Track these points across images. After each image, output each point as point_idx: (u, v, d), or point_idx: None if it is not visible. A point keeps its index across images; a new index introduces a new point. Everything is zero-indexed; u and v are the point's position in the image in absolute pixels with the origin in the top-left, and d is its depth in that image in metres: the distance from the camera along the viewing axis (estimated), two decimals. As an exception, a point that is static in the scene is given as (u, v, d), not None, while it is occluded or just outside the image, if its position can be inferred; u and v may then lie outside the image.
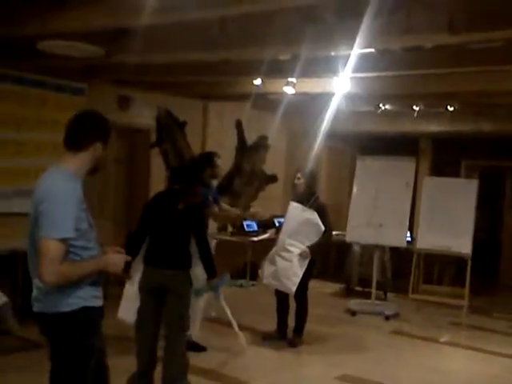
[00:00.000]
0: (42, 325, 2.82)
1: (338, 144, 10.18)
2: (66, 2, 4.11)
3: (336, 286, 8.93)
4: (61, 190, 2.70)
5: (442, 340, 6.51)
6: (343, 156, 9.37)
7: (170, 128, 8.30)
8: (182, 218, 4.39)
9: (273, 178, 9.33)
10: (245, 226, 8.91)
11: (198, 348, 5.57)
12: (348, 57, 5.20)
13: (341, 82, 5.96)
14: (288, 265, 5.78)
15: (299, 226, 5.79)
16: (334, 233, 8.89)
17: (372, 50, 5.17)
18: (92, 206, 7.44)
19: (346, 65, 5.33)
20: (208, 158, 5.86)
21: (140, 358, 4.34)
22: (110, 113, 7.08)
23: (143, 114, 7.93)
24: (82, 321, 2.78)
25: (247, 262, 8.54)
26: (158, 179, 7.49)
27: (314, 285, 9.06)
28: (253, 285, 8.54)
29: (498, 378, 5.49)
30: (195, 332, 4.80)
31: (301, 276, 5.76)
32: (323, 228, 5.78)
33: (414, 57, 5.17)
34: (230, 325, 6.52)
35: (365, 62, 5.34)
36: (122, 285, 6.50)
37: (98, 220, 3.03)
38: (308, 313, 6.01)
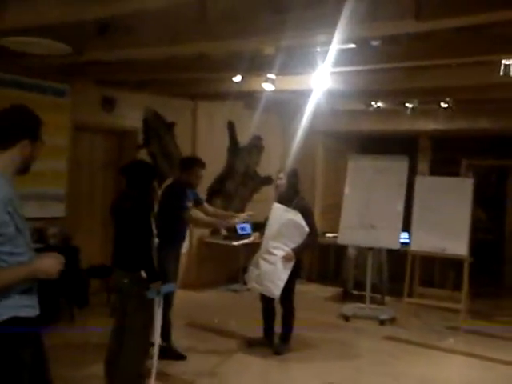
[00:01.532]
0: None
1: (334, 144, 9.92)
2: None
3: (334, 290, 8.66)
4: (-22, 191, 2.47)
5: (436, 346, 6.19)
6: (340, 156, 9.09)
7: (157, 129, 8.13)
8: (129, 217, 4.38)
9: (267, 180, 9.13)
10: (238, 229, 8.66)
11: (177, 356, 5.35)
12: (327, 51, 5.00)
13: (320, 77, 5.71)
14: (272, 268, 5.53)
15: (282, 228, 5.54)
16: (330, 235, 8.73)
17: (351, 44, 4.99)
18: (81, 209, 7.41)
19: (325, 59, 5.14)
20: (186, 166, 5.58)
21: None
22: (93, 114, 7.26)
23: (129, 116, 7.76)
24: (10, 332, 2.54)
25: (240, 265, 8.28)
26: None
27: (311, 289, 8.93)
28: (247, 289, 8.29)
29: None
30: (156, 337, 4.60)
31: (285, 279, 5.51)
32: (307, 229, 5.52)
33: (392, 49, 4.93)
34: (216, 330, 6.37)
35: (344, 56, 5.12)
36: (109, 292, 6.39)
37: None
38: (294, 318, 5.74)
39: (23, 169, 2.71)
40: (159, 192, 5.54)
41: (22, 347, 2.59)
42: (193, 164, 5.58)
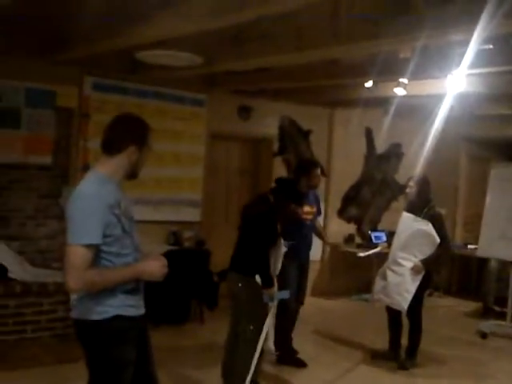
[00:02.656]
0: (76, 331, 2.73)
1: (479, 151, 9.33)
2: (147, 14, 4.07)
3: (473, 305, 8.13)
4: (86, 194, 2.59)
5: None
6: (486, 164, 8.53)
7: (293, 137, 8.15)
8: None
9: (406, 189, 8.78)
10: (373, 238, 8.44)
11: (298, 363, 5.30)
12: (464, 53, 4.69)
13: (457, 80, 5.37)
14: (399, 280, 5.31)
15: (411, 238, 5.30)
16: (472, 246, 8.22)
17: (489, 45, 4.64)
18: (215, 214, 7.64)
19: (461, 61, 4.82)
20: (304, 168, 5.54)
21: None
22: (230, 122, 7.44)
23: (265, 123, 7.85)
24: (112, 330, 2.64)
25: (372, 275, 8.04)
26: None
27: (448, 303, 8.47)
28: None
29: None
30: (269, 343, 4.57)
31: (413, 292, 5.26)
32: (438, 240, 5.23)
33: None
34: (342, 340, 6.23)
35: (482, 57, 4.77)
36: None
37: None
38: (422, 332, 5.45)
39: (131, 174, 2.78)
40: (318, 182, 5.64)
41: (123, 345, 2.68)
42: (311, 166, 5.57)
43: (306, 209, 5.41)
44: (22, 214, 5.94)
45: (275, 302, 4.35)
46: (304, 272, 5.53)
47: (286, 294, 4.53)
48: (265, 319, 4.34)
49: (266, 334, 4.39)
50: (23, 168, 5.92)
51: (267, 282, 4.28)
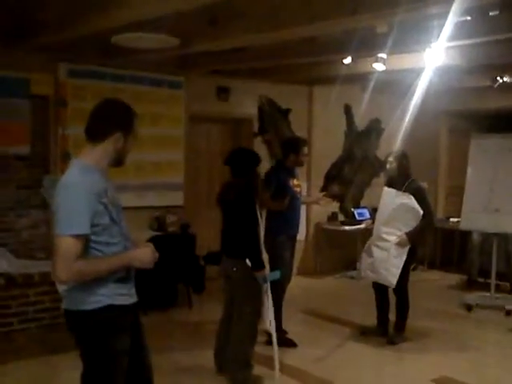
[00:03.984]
0: (67, 322, 2.73)
1: (459, 124, 9.42)
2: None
3: (457, 278, 8.26)
4: (73, 183, 2.57)
5: None
6: (466, 136, 8.57)
7: (272, 116, 8.14)
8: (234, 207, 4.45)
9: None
10: (356, 215, 8.51)
11: (288, 343, 5.35)
12: (441, 25, 4.70)
13: (435, 53, 5.39)
14: (386, 255, 5.37)
15: (394, 213, 5.35)
16: (455, 220, 8.32)
17: (467, 17, 4.65)
18: (199, 197, 7.61)
19: (439, 34, 4.84)
20: (291, 145, 5.58)
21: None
22: (209, 104, 7.40)
23: (244, 104, 7.84)
24: (105, 320, 2.64)
25: (357, 252, 8.12)
26: (262, 169, 7.38)
27: (433, 276, 8.60)
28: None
29: None
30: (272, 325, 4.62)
31: (401, 266, 5.32)
32: (421, 212, 5.29)
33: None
34: (330, 318, 6.30)
35: (460, 30, 4.79)
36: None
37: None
38: (409, 306, 5.53)
39: (117, 161, 2.76)
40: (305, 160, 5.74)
41: (117, 334, 2.68)
42: (300, 144, 5.64)
43: (295, 182, 5.53)
44: (2, 205, 5.89)
45: (268, 283, 4.38)
46: (292, 249, 5.59)
47: (276, 275, 4.56)
48: (260, 301, 4.39)
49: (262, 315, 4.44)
50: (0, 158, 5.85)
51: (258, 265, 4.31)
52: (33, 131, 6.04)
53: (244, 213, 4.38)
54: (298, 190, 5.57)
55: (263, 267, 4.34)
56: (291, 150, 5.52)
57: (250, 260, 4.30)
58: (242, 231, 4.40)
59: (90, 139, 2.70)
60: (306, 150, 5.63)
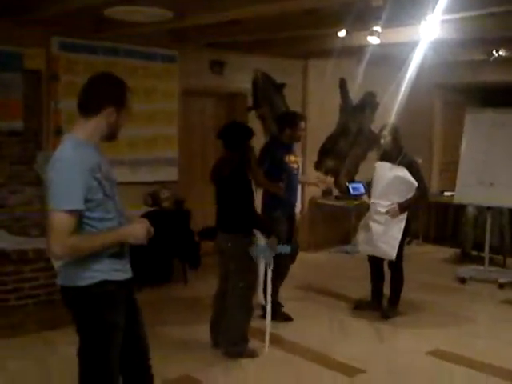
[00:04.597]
0: (63, 298, 2.72)
1: (454, 97, 9.38)
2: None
3: (451, 251, 8.30)
4: (66, 159, 2.54)
5: None
6: (461, 110, 8.56)
7: (267, 91, 8.08)
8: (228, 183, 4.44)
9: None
10: (350, 189, 8.50)
11: (284, 318, 5.38)
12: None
13: (431, 27, 5.33)
14: (383, 228, 5.35)
15: (389, 186, 5.34)
16: (449, 193, 8.33)
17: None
18: (193, 173, 7.58)
19: (435, 7, 4.79)
20: (287, 119, 5.52)
21: None
22: (203, 78, 7.33)
23: (239, 78, 7.77)
24: (99, 295, 2.64)
25: (351, 226, 8.15)
26: (256, 144, 7.34)
27: (427, 250, 8.64)
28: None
29: None
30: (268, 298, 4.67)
31: (399, 238, 5.31)
32: (416, 184, 5.28)
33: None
34: (325, 292, 6.33)
35: (456, 2, 4.74)
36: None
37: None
38: (403, 280, 5.55)
39: (110, 136, 2.73)
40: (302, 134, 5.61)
41: (112, 309, 2.69)
42: (296, 119, 5.53)
43: (292, 158, 5.46)
44: (-5, 181, 5.85)
45: (270, 255, 4.39)
46: (293, 223, 5.58)
47: (287, 249, 4.56)
48: (254, 275, 4.41)
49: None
50: (-6, 134, 5.80)
51: (267, 230, 4.33)
52: (25, 106, 5.97)
53: (239, 187, 4.38)
54: (295, 166, 5.49)
55: (273, 231, 4.39)
56: (287, 124, 5.44)
57: (259, 229, 4.34)
58: (237, 206, 4.39)
59: (83, 114, 2.67)
60: (302, 124, 5.49)
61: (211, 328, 4.66)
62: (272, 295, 5.30)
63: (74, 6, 4.77)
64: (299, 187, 6.08)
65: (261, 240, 4.36)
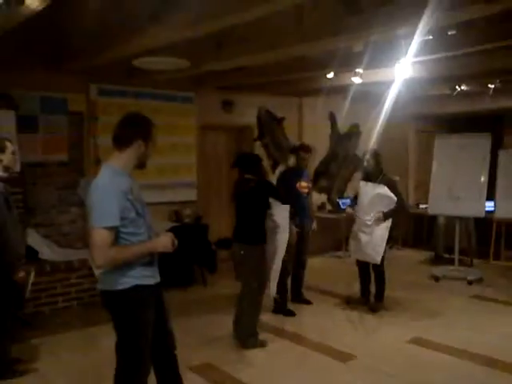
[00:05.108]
0: (103, 300, 2.73)
1: (425, 126, 9.40)
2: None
3: (426, 254, 8.24)
4: (104, 184, 2.58)
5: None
6: (431, 137, 8.58)
7: (269, 124, 8.09)
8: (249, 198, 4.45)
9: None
10: (340, 204, 8.48)
11: (288, 313, 5.35)
12: (409, 44, 4.68)
13: (404, 68, 5.36)
14: (370, 238, 5.33)
15: (373, 201, 5.32)
16: (423, 206, 8.30)
17: (429, 36, 4.63)
18: (209, 193, 7.54)
19: (407, 51, 4.81)
20: (294, 149, 5.79)
21: None
22: (216, 115, 7.38)
23: (246, 114, 7.79)
24: (134, 298, 2.66)
25: (342, 235, 8.13)
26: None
27: (406, 253, 8.58)
28: (350, 256, 8.11)
29: None
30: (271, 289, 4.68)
31: (384, 246, 5.30)
32: (395, 198, 5.27)
33: (470, 34, 4.49)
34: (321, 290, 6.29)
35: (424, 47, 4.76)
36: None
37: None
38: (385, 279, 5.52)
39: (140, 164, 2.76)
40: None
41: (144, 309, 2.69)
42: (298, 149, 5.68)
43: (303, 184, 5.57)
44: (47, 204, 5.88)
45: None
46: (305, 237, 5.60)
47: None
48: (264, 276, 4.44)
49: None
50: (44, 165, 5.84)
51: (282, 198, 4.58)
52: (70, 142, 6.03)
53: (259, 201, 4.44)
54: (305, 190, 5.59)
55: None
56: (292, 153, 5.68)
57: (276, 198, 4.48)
58: (255, 219, 4.42)
59: (117, 147, 2.71)
60: (304, 154, 5.58)
61: (234, 323, 4.62)
62: (283, 293, 5.31)
63: (108, 58, 4.83)
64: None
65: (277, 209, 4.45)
